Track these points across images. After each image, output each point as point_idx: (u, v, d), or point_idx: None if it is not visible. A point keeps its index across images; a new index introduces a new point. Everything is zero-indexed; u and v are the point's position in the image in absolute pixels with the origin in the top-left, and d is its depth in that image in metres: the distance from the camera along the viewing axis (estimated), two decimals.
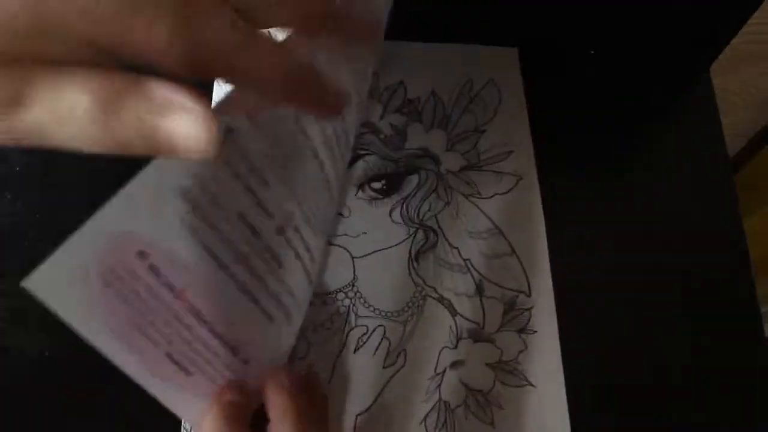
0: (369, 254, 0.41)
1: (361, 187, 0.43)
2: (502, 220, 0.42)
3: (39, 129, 0.16)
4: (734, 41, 0.48)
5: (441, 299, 0.40)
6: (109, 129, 0.17)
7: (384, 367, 0.38)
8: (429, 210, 0.42)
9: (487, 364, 0.39)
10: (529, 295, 0.41)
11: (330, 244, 0.41)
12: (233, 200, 0.24)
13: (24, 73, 0.16)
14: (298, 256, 0.29)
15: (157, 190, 0.21)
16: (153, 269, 0.22)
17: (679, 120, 0.49)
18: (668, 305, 0.42)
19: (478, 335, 0.40)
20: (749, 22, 0.47)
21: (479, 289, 0.41)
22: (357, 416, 0.37)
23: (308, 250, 0.30)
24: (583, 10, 0.51)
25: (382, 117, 0.45)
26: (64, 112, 0.16)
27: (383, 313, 0.40)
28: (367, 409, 0.37)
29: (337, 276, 0.40)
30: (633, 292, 0.43)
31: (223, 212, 0.24)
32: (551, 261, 0.42)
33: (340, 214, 0.42)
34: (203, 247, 0.24)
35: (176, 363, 0.25)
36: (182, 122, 0.17)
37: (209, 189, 0.23)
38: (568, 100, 0.48)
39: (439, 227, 0.42)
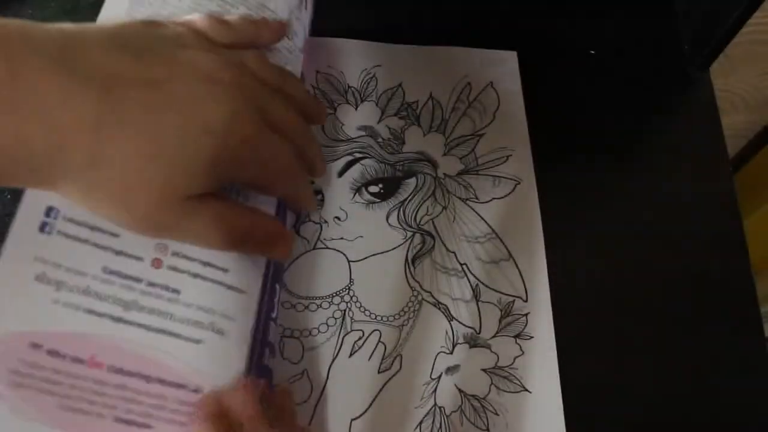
0: (365, 258, 0.41)
1: (358, 190, 0.42)
2: (500, 225, 0.42)
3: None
4: (734, 41, 0.48)
5: (437, 304, 0.40)
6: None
7: (379, 372, 0.38)
8: (426, 214, 0.42)
9: (483, 370, 0.39)
10: (526, 301, 0.40)
11: (326, 248, 0.41)
12: (91, 262, 0.26)
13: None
14: (195, 275, 0.28)
15: (13, 287, 0.22)
16: (52, 353, 0.24)
17: (679, 120, 0.49)
18: (668, 306, 0.42)
19: (474, 340, 0.39)
20: (749, 22, 0.46)
21: (476, 294, 0.40)
22: (352, 421, 0.37)
23: (208, 264, 0.29)
24: (582, 10, 0.51)
25: (380, 120, 0.45)
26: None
27: (379, 318, 0.39)
28: (362, 415, 0.37)
29: (332, 280, 0.40)
30: (632, 295, 0.42)
31: (88, 276, 0.25)
32: (549, 266, 0.42)
33: (337, 218, 0.41)
34: (87, 312, 0.25)
35: (130, 423, 0.25)
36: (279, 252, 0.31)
37: (63, 263, 0.25)
38: (566, 102, 0.48)
39: (436, 231, 0.42)
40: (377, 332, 0.39)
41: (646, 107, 0.48)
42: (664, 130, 0.48)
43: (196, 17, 0.31)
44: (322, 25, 0.47)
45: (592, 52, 0.50)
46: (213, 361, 0.28)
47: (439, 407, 0.38)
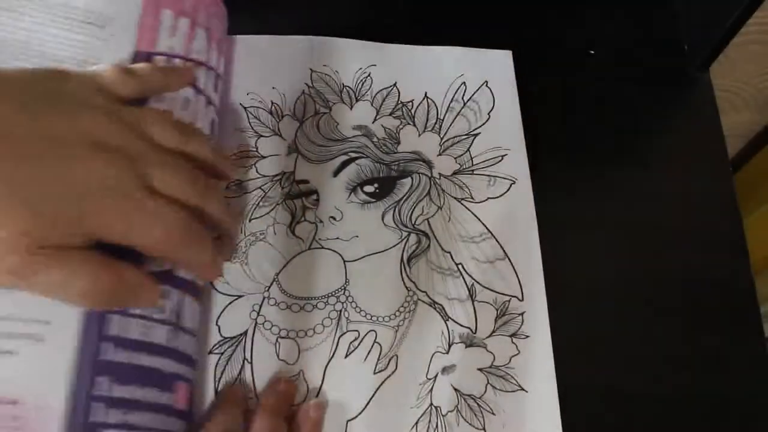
0: (361, 258, 0.41)
1: (353, 190, 0.42)
2: (495, 225, 0.42)
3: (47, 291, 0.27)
4: (734, 41, 0.48)
5: (433, 304, 0.40)
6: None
7: (375, 373, 0.38)
8: (421, 214, 0.42)
9: (479, 369, 0.39)
10: (522, 300, 0.40)
11: (321, 248, 0.41)
12: None
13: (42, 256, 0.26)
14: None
15: None
16: None
17: (679, 120, 0.49)
18: (668, 306, 0.42)
19: (470, 340, 0.39)
20: (749, 22, 0.46)
21: (471, 294, 0.40)
22: (348, 422, 0.37)
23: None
24: (582, 10, 0.51)
25: (375, 120, 0.44)
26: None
27: (375, 318, 0.39)
28: (358, 415, 0.37)
29: (328, 280, 0.40)
30: (630, 294, 0.42)
31: None
32: (544, 265, 0.42)
33: (332, 218, 0.41)
34: None
35: None
36: (141, 301, 0.31)
37: None
38: (565, 102, 0.48)
39: (432, 231, 0.42)
40: (373, 333, 0.39)
41: (646, 107, 0.49)
42: (664, 130, 0.48)
43: (102, 68, 0.32)
44: (318, 25, 0.47)
45: (592, 52, 0.50)
46: (32, 372, 0.28)
47: (436, 407, 0.38)
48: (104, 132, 0.29)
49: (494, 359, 0.39)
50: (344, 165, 0.43)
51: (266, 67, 0.45)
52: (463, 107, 0.46)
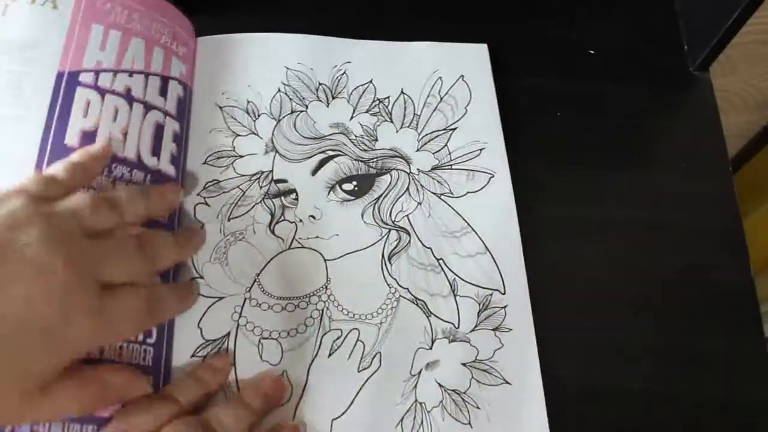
0: (341, 257, 0.40)
1: (332, 188, 0.42)
2: (475, 219, 0.42)
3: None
4: (734, 41, 0.48)
5: (415, 300, 0.40)
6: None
7: (359, 371, 0.38)
8: (401, 210, 0.42)
9: (462, 364, 0.39)
10: (504, 293, 0.41)
11: (302, 247, 0.40)
12: None
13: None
14: None
15: None
16: None
17: (679, 120, 0.49)
18: (667, 306, 0.42)
19: (453, 335, 0.39)
20: (749, 22, 0.46)
21: (453, 289, 0.40)
22: (333, 421, 0.37)
23: None
24: (582, 10, 0.52)
25: (352, 117, 0.44)
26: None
27: (357, 316, 0.39)
28: (342, 414, 0.37)
29: (309, 279, 0.40)
30: (630, 294, 0.42)
31: None
32: (543, 266, 0.42)
33: (312, 217, 0.41)
34: None
35: None
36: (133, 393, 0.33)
37: None
38: (564, 101, 0.48)
39: (412, 227, 0.42)
40: (356, 331, 0.39)
41: (646, 107, 0.49)
42: (664, 130, 0.48)
43: (26, 182, 0.32)
44: (292, 23, 0.46)
45: (592, 51, 0.50)
46: None
47: (420, 403, 0.38)
48: (43, 248, 0.29)
49: (478, 353, 0.39)
50: (322, 163, 0.43)
51: (241, 66, 0.45)
52: (439, 102, 0.46)
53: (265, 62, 0.45)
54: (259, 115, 0.44)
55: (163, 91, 0.41)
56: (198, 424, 0.33)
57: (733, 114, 0.74)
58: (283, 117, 0.44)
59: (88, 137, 0.37)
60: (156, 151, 0.39)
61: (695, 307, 0.43)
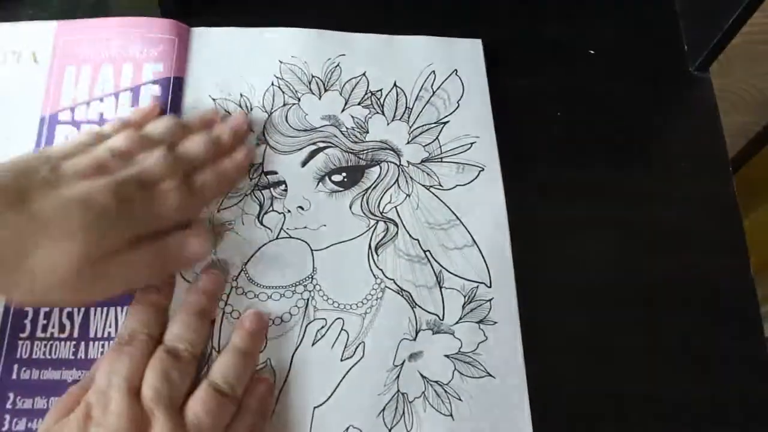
0: (328, 247, 0.41)
1: (321, 180, 0.43)
2: (464, 211, 0.42)
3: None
4: (734, 41, 0.48)
5: (400, 291, 0.40)
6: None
7: (342, 360, 0.38)
8: (390, 202, 0.42)
9: (446, 356, 0.39)
10: (490, 286, 0.40)
11: (289, 237, 0.41)
12: None
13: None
14: None
15: None
16: None
17: (679, 120, 0.48)
18: (667, 306, 0.42)
19: (437, 327, 0.39)
20: (749, 22, 0.46)
21: (439, 281, 0.40)
22: (314, 409, 0.37)
23: None
24: (582, 10, 0.51)
25: (343, 109, 0.45)
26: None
27: (342, 306, 0.39)
28: (324, 402, 0.37)
29: (295, 269, 0.40)
30: (629, 294, 0.42)
31: None
32: (542, 266, 0.42)
33: (300, 207, 0.42)
34: None
35: None
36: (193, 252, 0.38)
37: None
38: (563, 101, 0.48)
39: (400, 219, 0.42)
40: (340, 320, 0.39)
41: (646, 107, 0.48)
42: (664, 130, 0.48)
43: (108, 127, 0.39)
44: (285, 16, 0.47)
45: (592, 51, 0.50)
46: None
47: (402, 393, 0.38)
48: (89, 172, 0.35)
49: (461, 346, 0.39)
50: (312, 155, 0.43)
51: (235, 60, 0.46)
52: (432, 96, 0.46)
53: (259, 56, 0.46)
54: (251, 108, 0.44)
55: (135, 101, 0.44)
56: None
57: (733, 114, 0.73)
58: (275, 110, 0.44)
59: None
60: None
61: (695, 307, 0.42)
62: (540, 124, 0.46)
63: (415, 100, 0.45)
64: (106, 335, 0.38)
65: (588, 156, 0.46)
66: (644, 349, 0.41)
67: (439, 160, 0.44)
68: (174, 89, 0.44)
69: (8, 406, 0.36)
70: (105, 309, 0.38)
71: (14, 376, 0.37)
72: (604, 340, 0.41)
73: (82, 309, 0.38)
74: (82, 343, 0.38)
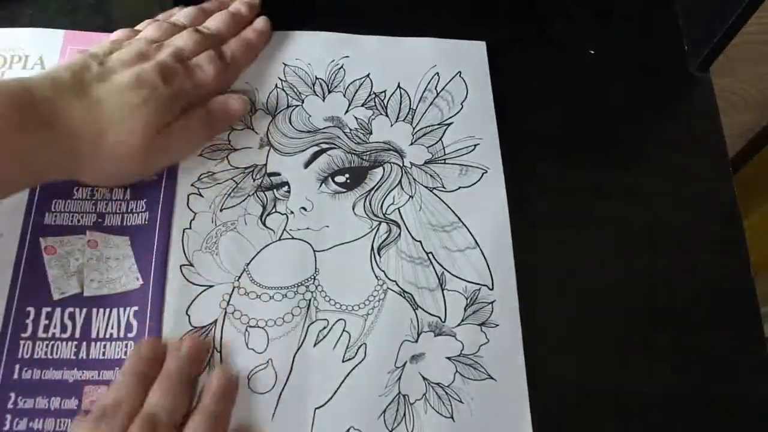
0: (331, 248, 0.41)
1: (324, 181, 0.43)
2: (466, 214, 0.42)
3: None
4: (734, 41, 0.48)
5: (402, 293, 0.40)
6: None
7: (343, 361, 0.38)
8: (392, 203, 0.42)
9: (447, 358, 0.39)
10: (492, 289, 0.40)
11: (292, 238, 0.41)
12: None
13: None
14: None
15: None
16: None
17: (679, 120, 0.49)
18: (667, 306, 0.42)
19: (439, 329, 0.39)
20: (749, 22, 0.46)
21: (441, 283, 0.40)
22: (316, 410, 0.37)
23: None
24: (582, 10, 0.51)
25: (347, 111, 0.45)
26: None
27: (344, 307, 0.39)
28: (326, 403, 0.37)
29: (298, 270, 0.40)
30: (629, 294, 0.42)
31: None
32: (541, 266, 0.42)
33: (303, 209, 0.42)
34: None
35: None
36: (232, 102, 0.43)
37: None
38: (563, 101, 0.48)
39: (402, 220, 0.42)
40: (342, 321, 0.39)
41: (646, 107, 0.48)
42: (664, 130, 0.48)
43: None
44: (290, 18, 0.47)
45: (592, 51, 0.50)
46: None
47: (404, 395, 0.38)
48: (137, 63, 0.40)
49: (463, 348, 0.39)
50: (315, 156, 0.43)
51: None
52: (436, 97, 0.46)
53: (262, 60, 0.46)
54: (255, 110, 0.44)
55: None
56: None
57: (733, 114, 0.73)
58: (279, 112, 0.44)
59: None
60: None
61: (695, 307, 0.42)
62: (540, 123, 0.46)
63: (419, 101, 0.45)
64: (107, 336, 0.38)
65: (588, 156, 0.46)
66: (644, 349, 0.41)
67: (443, 161, 0.44)
68: None
69: (9, 406, 0.36)
70: (107, 310, 0.39)
71: (15, 376, 0.37)
72: (604, 340, 0.41)
73: (84, 309, 0.38)
74: (84, 343, 0.38)
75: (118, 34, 0.43)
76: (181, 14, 0.45)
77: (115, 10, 0.48)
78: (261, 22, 0.46)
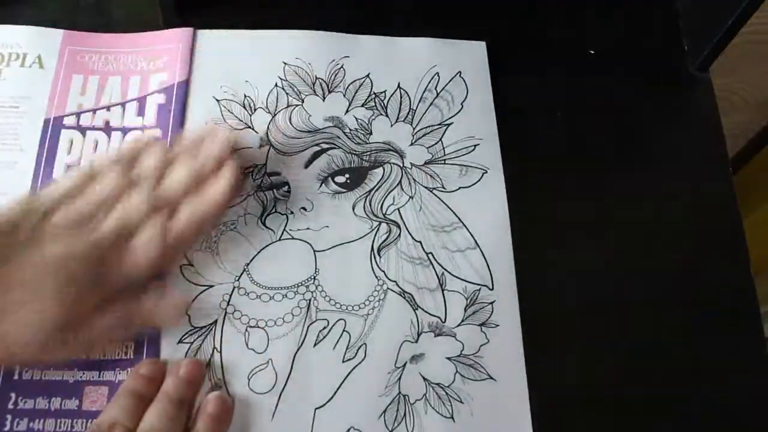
0: (331, 248, 0.41)
1: (324, 181, 0.43)
2: (466, 214, 0.42)
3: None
4: (734, 41, 0.48)
5: (402, 293, 0.40)
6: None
7: (344, 361, 0.38)
8: (392, 203, 0.42)
9: (447, 358, 0.39)
10: (492, 289, 0.40)
11: (292, 238, 0.41)
12: None
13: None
14: None
15: None
16: None
17: (679, 120, 0.49)
18: (667, 306, 0.42)
19: (439, 329, 0.39)
20: (749, 22, 0.46)
21: (441, 283, 0.40)
22: (316, 410, 0.37)
23: None
24: (582, 10, 0.51)
25: (347, 111, 0.45)
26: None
27: (344, 307, 0.39)
28: (326, 403, 0.37)
29: (298, 270, 0.40)
30: (629, 293, 0.42)
31: None
32: (541, 266, 0.42)
33: (303, 209, 0.42)
34: None
35: None
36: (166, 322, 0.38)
37: None
38: (563, 101, 0.48)
39: (402, 221, 0.42)
40: (342, 321, 0.39)
41: (646, 107, 0.48)
42: (664, 130, 0.48)
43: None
44: (290, 18, 0.47)
45: (592, 51, 0.50)
46: None
47: (404, 395, 0.38)
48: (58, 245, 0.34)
49: (463, 348, 0.39)
50: (315, 156, 0.43)
51: (239, 62, 0.46)
52: (435, 97, 0.46)
53: (263, 58, 0.46)
54: (255, 110, 0.44)
55: (141, 110, 0.44)
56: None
57: (733, 114, 0.73)
58: (279, 111, 0.44)
59: (71, 170, 0.42)
60: None
61: (695, 307, 0.42)
62: (540, 123, 0.46)
63: (419, 101, 0.45)
64: None
65: (588, 156, 0.47)
66: (644, 349, 0.41)
67: (443, 162, 0.44)
68: (178, 93, 0.44)
69: (10, 406, 0.36)
70: None
71: (16, 377, 0.37)
72: (604, 340, 0.41)
73: None
74: None
75: (73, 179, 0.37)
76: (145, 163, 0.38)
77: (116, 11, 0.48)
78: (222, 185, 0.38)
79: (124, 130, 0.44)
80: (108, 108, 0.44)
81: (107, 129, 0.44)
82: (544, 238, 0.43)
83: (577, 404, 0.39)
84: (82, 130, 0.44)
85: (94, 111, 0.44)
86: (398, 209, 0.42)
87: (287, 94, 0.45)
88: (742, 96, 0.72)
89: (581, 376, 0.40)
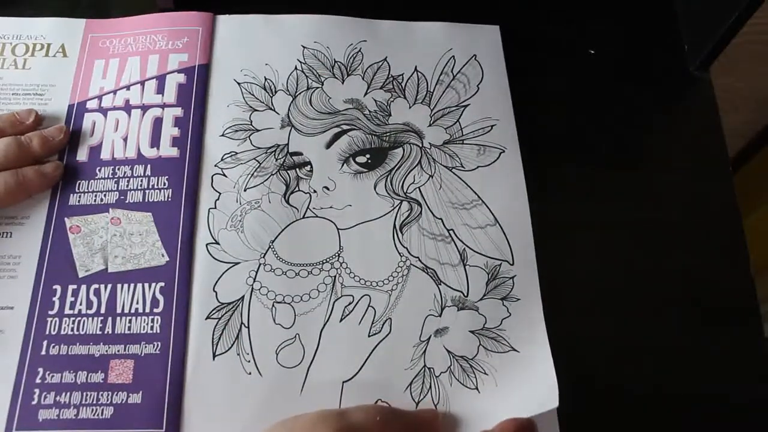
0: (354, 226, 0.41)
1: (346, 161, 0.43)
2: (485, 191, 0.43)
3: None
4: (734, 41, 0.48)
5: (425, 269, 0.41)
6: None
7: (369, 336, 0.39)
8: (413, 182, 0.43)
9: (471, 331, 0.39)
10: (513, 264, 0.41)
11: (315, 216, 0.41)
12: None
13: None
14: None
15: None
16: None
17: (679, 120, 0.49)
18: (667, 305, 0.42)
19: (462, 303, 0.40)
20: (749, 22, 0.47)
21: (463, 258, 0.41)
22: (343, 383, 0.38)
23: None
24: (582, 10, 0.52)
25: (366, 93, 0.45)
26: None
27: (368, 283, 0.40)
28: (353, 377, 0.38)
29: (323, 247, 0.41)
30: (629, 293, 0.43)
31: None
32: (544, 263, 0.42)
33: (326, 188, 0.42)
34: None
35: None
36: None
37: None
38: (563, 101, 0.48)
39: (423, 199, 0.43)
40: (367, 297, 0.40)
41: (646, 107, 0.49)
42: (664, 130, 0.48)
43: None
44: (309, 4, 0.48)
45: (592, 51, 0.50)
46: None
47: (429, 368, 0.38)
48: None
49: (486, 321, 0.40)
50: (336, 137, 0.44)
51: (259, 45, 0.46)
52: (452, 80, 0.47)
53: (282, 41, 0.47)
54: (276, 92, 0.45)
55: (161, 88, 0.45)
56: None
57: (733, 114, 0.73)
58: (299, 93, 0.45)
59: (95, 151, 0.43)
60: (155, 142, 0.43)
61: (695, 306, 0.43)
62: (539, 124, 0.47)
63: (436, 84, 0.46)
64: (133, 311, 0.38)
65: (587, 156, 0.47)
66: (644, 349, 0.41)
67: (461, 142, 0.45)
68: (199, 76, 0.45)
69: (38, 380, 0.36)
70: (131, 285, 0.39)
71: (43, 352, 0.37)
72: (604, 340, 0.41)
73: (110, 286, 0.39)
74: (110, 318, 0.38)
75: None
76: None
77: (114, 8, 0.49)
78: (50, 167, 0.42)
79: (144, 108, 0.44)
80: (128, 87, 0.45)
81: (127, 107, 0.44)
82: (541, 237, 0.42)
83: (576, 402, 0.37)
84: (104, 111, 0.44)
85: (114, 92, 0.45)
86: (419, 188, 0.43)
87: (307, 76, 0.46)
88: (742, 96, 0.72)
89: (579, 374, 0.39)
